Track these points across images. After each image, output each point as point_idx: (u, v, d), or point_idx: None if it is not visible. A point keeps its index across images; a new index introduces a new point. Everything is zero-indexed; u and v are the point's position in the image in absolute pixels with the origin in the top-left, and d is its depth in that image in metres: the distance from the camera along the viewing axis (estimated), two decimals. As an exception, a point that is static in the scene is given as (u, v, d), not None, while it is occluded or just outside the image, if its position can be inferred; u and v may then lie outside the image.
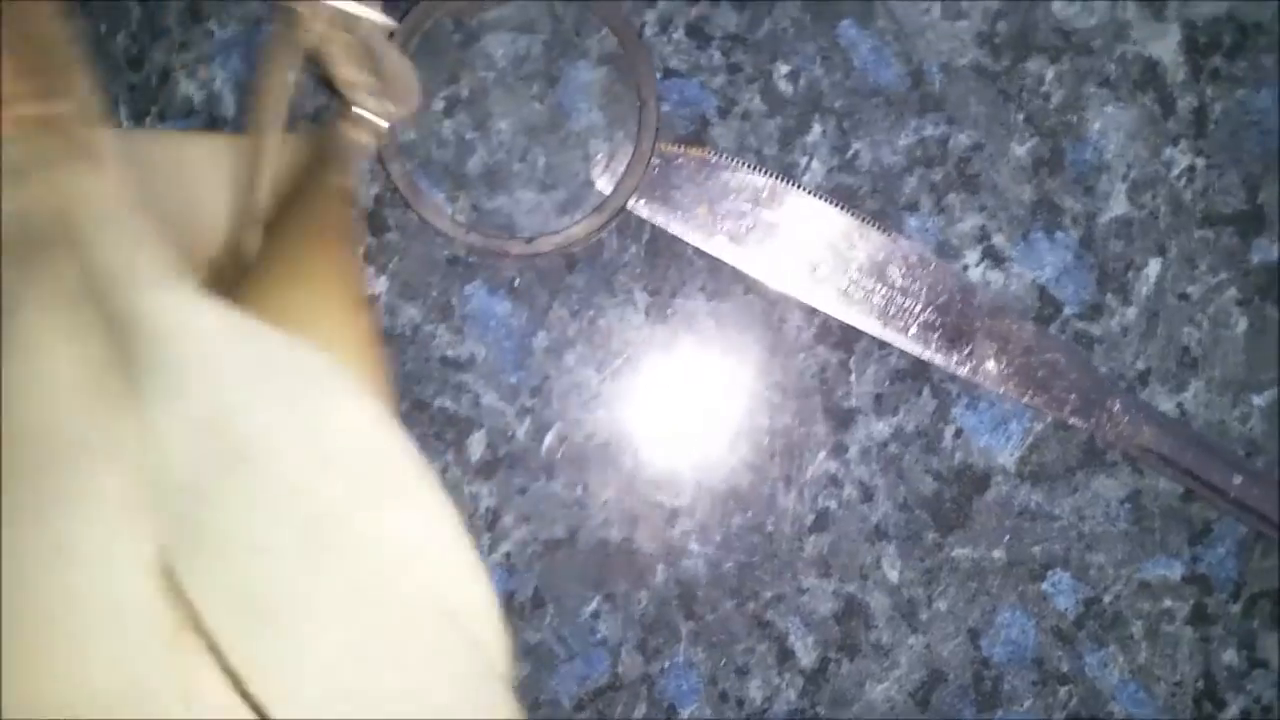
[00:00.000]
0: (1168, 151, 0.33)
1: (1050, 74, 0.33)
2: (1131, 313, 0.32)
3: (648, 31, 0.33)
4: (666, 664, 0.33)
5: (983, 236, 0.32)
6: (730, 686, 0.32)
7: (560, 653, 0.33)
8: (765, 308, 0.32)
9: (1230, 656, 0.32)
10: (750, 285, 0.32)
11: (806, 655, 0.32)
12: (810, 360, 0.32)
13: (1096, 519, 0.32)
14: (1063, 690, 0.32)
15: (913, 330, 0.32)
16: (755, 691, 0.32)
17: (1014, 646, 0.32)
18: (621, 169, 0.32)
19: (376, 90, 0.28)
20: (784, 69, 0.33)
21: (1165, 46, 0.33)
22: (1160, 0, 0.33)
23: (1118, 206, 0.33)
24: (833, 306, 0.32)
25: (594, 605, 0.33)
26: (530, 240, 0.32)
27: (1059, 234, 0.32)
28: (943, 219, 0.32)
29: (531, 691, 0.32)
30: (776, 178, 0.32)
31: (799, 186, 0.32)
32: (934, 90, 0.33)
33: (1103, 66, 0.33)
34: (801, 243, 0.32)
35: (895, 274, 0.32)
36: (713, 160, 0.32)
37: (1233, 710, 0.32)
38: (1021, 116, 0.33)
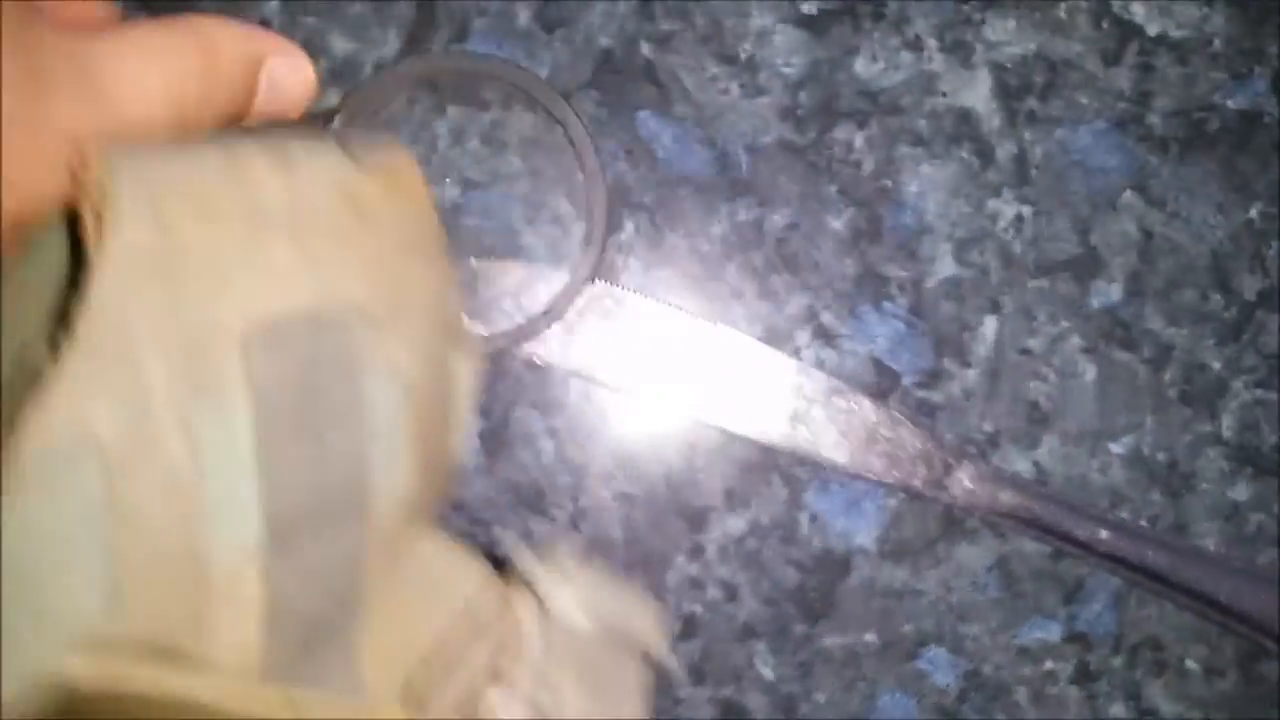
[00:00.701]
0: (991, 203, 0.32)
1: (859, 140, 0.32)
2: (972, 375, 0.32)
3: (441, 145, 0.32)
4: (548, 792, 0.32)
5: (810, 316, 0.32)
6: (615, 807, 0.32)
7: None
8: (601, 413, 0.32)
9: (1119, 710, 0.31)
10: (585, 390, 0.32)
11: (687, 766, 0.32)
12: (656, 464, 0.32)
13: (964, 589, 0.31)
14: (953, 769, 0.32)
15: (754, 418, 0.31)
16: (640, 809, 0.32)
17: (897, 730, 0.32)
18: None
19: None
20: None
21: (976, 94, 0.32)
22: (966, 47, 0.32)
23: (945, 268, 0.32)
24: (670, 405, 0.31)
25: (467, 742, 0.32)
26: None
27: (887, 304, 0.32)
28: (768, 304, 0.32)
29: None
30: (596, 281, 0.31)
31: (620, 286, 0.31)
32: (742, 173, 0.32)
33: (913, 124, 0.32)
34: (631, 341, 0.31)
35: (726, 367, 0.31)
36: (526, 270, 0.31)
37: (1129, 767, 0.31)
38: (834, 188, 0.32)
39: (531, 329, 0.31)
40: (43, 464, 0.18)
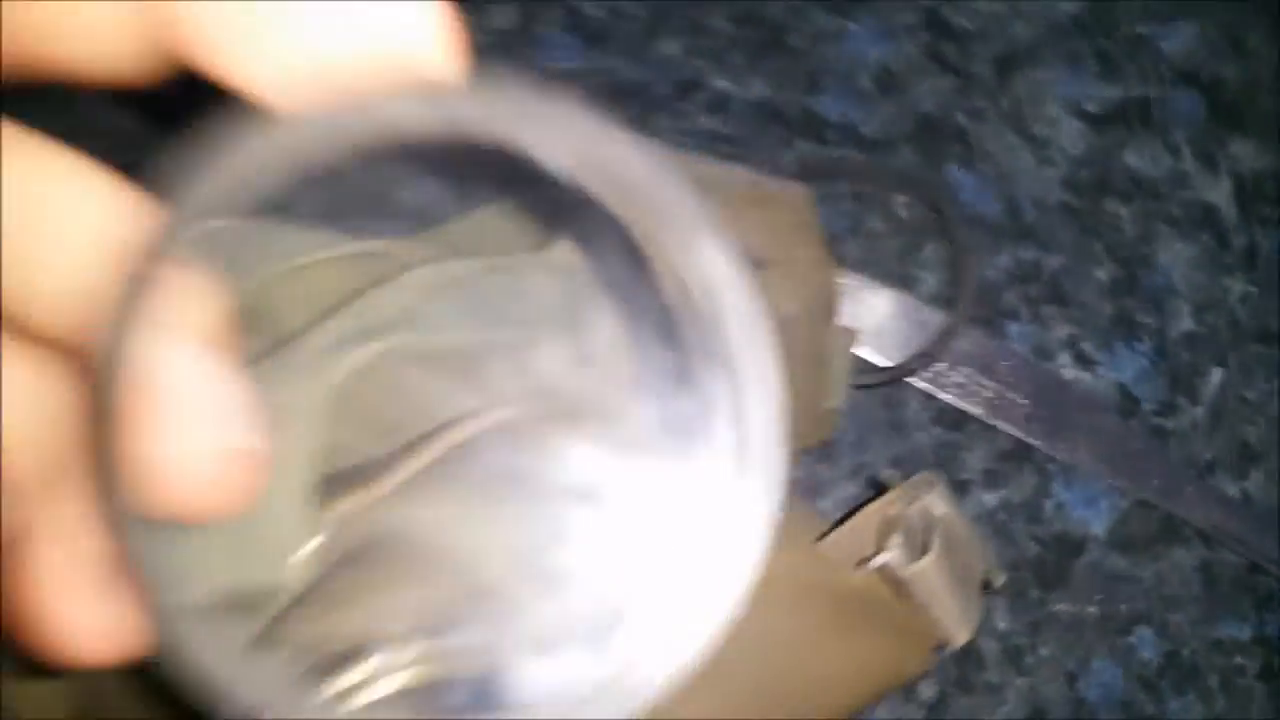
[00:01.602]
0: (1225, 280, 0.40)
1: (1124, 212, 0.40)
2: (1199, 412, 0.39)
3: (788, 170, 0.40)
4: (804, 697, 0.38)
5: (1073, 343, 0.39)
6: (862, 714, 0.37)
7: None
8: (887, 395, 0.39)
9: (1296, 709, 0.37)
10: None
11: (928, 690, 0.37)
12: (926, 438, 0.39)
13: (1174, 584, 0.38)
14: (1150, 733, 0.37)
15: (1018, 418, 0.38)
16: (884, 716, 0.37)
17: (1105, 690, 0.37)
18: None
19: None
20: (901, 200, 0.40)
21: (1220, 194, 0.40)
22: (1214, 156, 0.40)
23: (1184, 324, 0.39)
24: (949, 396, 0.39)
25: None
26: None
27: (1136, 344, 0.39)
28: (1038, 327, 0.39)
29: None
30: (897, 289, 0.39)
31: (917, 296, 0.39)
32: (1027, 221, 0.40)
33: (1168, 209, 0.40)
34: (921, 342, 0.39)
35: (1002, 371, 0.39)
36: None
37: (1300, 757, 0.37)
38: (1101, 246, 0.40)
39: (907, 368, 0.38)
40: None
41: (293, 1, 0.13)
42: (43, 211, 0.13)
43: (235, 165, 0.12)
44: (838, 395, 0.34)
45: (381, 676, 0.24)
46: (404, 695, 0.24)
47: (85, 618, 0.14)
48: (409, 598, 0.25)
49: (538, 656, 0.20)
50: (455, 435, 0.26)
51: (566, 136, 0.12)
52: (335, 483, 0.26)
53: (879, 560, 0.29)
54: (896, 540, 0.29)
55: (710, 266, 0.12)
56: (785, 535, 0.13)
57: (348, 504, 0.26)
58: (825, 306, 0.34)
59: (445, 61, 0.13)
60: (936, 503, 0.30)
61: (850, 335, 0.34)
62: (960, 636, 0.30)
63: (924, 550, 0.29)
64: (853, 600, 0.29)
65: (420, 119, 0.12)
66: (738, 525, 0.13)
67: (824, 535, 0.30)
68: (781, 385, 0.13)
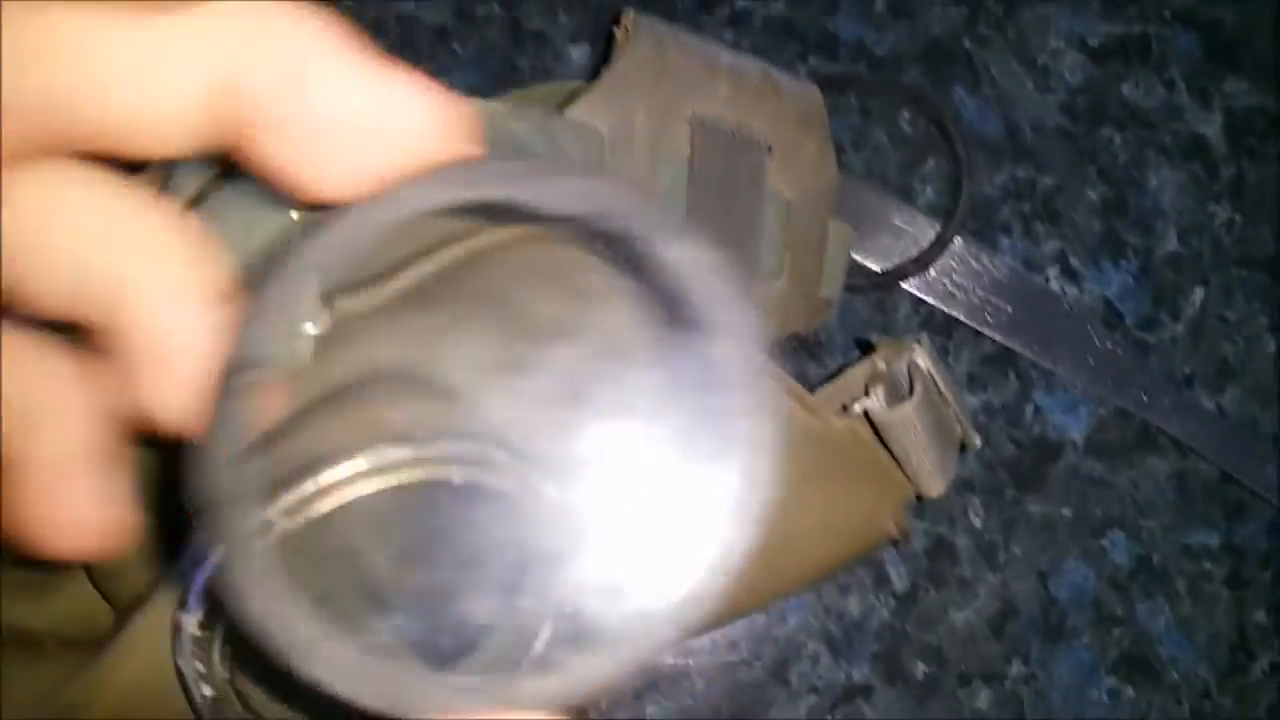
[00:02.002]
0: (1211, 206, 0.41)
1: (1118, 139, 0.41)
2: (1180, 328, 0.40)
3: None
4: (783, 579, 0.39)
5: (1061, 258, 0.40)
6: (833, 602, 0.39)
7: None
8: (879, 300, 0.40)
9: (1260, 616, 0.38)
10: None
11: (900, 581, 0.39)
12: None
13: (1148, 490, 0.39)
14: (1116, 631, 0.38)
15: (1003, 324, 0.40)
16: (854, 607, 0.39)
17: (1076, 590, 0.39)
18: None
19: None
20: (905, 116, 0.42)
21: (1211, 127, 0.42)
22: (1208, 92, 0.42)
23: (1170, 245, 0.41)
24: (938, 301, 0.40)
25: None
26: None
27: (1122, 261, 0.40)
28: (1029, 242, 0.41)
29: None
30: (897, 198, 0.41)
31: (914, 206, 0.41)
32: (1025, 143, 0.41)
33: (1160, 138, 0.41)
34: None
35: (991, 280, 0.40)
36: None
37: (1262, 663, 0.38)
38: (1094, 169, 0.41)
39: (901, 273, 0.39)
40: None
41: (344, 128, 0.16)
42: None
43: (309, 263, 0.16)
44: (832, 286, 0.35)
45: (363, 479, 0.25)
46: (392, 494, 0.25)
47: (75, 508, 0.16)
48: (394, 415, 0.26)
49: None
50: (452, 251, 0.28)
51: (563, 192, 0.16)
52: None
53: (861, 405, 0.30)
54: (880, 390, 0.30)
55: (689, 255, 0.16)
56: (773, 383, 0.16)
57: (348, 303, 0.27)
58: (826, 198, 0.35)
59: (458, 145, 0.16)
60: (920, 358, 0.31)
61: (848, 232, 0.36)
62: (935, 488, 0.31)
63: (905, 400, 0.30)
64: (834, 445, 0.30)
65: (443, 196, 0.16)
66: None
67: (813, 391, 0.32)
68: (761, 339, 0.16)
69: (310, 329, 0.26)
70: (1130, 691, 0.38)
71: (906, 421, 0.30)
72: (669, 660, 0.38)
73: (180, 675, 0.24)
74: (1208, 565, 0.39)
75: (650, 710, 0.38)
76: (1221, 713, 0.38)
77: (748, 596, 0.31)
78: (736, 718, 0.38)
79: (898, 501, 0.32)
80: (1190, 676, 0.38)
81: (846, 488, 0.31)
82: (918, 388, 0.30)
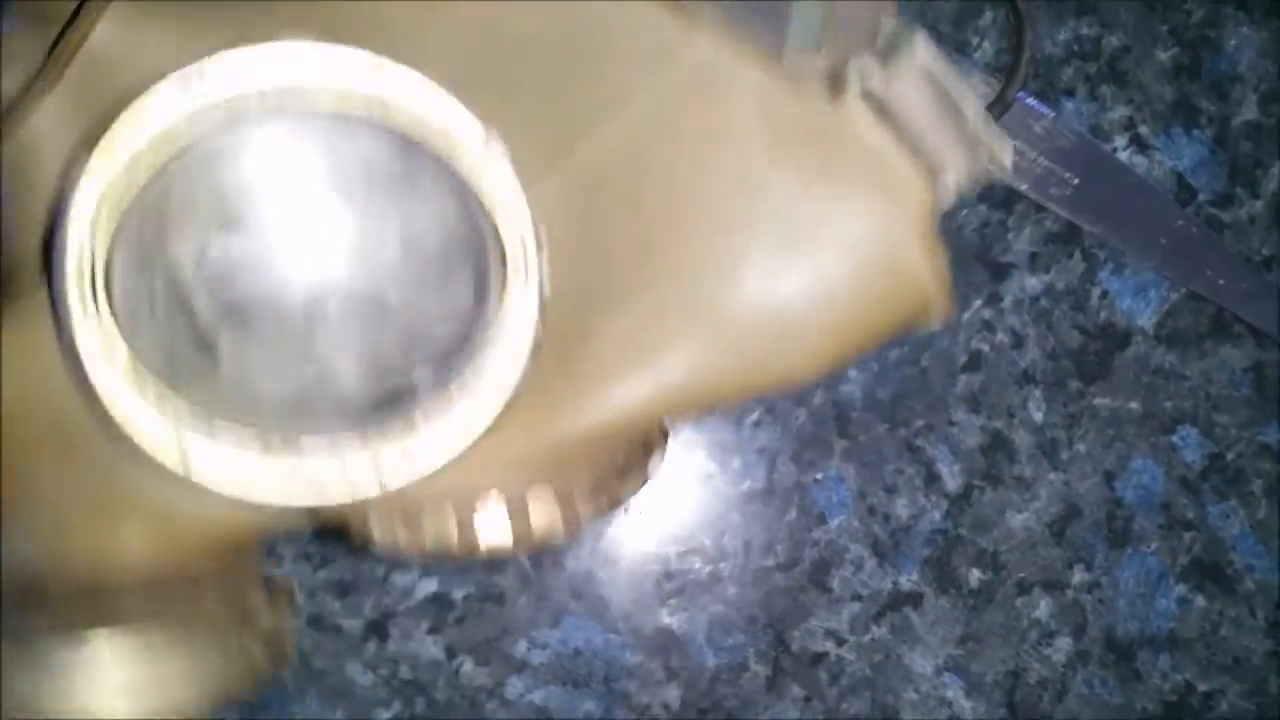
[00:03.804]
0: (1294, 71, 0.37)
1: (1194, -5, 0.37)
2: (1259, 205, 0.36)
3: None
4: (819, 476, 0.35)
5: (1129, 126, 0.36)
6: (878, 502, 0.34)
7: (718, 457, 0.34)
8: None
9: (1340, 520, 0.35)
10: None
11: (952, 481, 0.35)
12: (972, 216, 0.36)
13: (1222, 383, 0.35)
14: (1187, 536, 0.35)
15: (1068, 198, 0.35)
16: (902, 509, 0.34)
17: (1144, 491, 0.35)
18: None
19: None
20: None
21: (1292, -13, 0.37)
22: (1287, -51, 0.38)
23: (1249, 112, 0.37)
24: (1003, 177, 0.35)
25: (755, 415, 0.35)
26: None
27: (1196, 130, 0.36)
28: (1095, 106, 0.36)
29: (694, 488, 0.34)
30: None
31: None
32: (1093, -3, 0.37)
33: (1239, -4, 0.37)
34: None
35: (1054, 147, 0.36)
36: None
37: (1342, 570, 0.35)
38: (1166, 28, 0.37)
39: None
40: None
41: None
42: None
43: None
44: None
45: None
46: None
47: None
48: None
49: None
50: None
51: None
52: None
53: (852, 74, 0.24)
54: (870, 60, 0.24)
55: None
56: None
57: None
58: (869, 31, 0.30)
59: None
60: (920, 50, 0.25)
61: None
62: (964, 171, 0.25)
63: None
64: (831, 135, 0.24)
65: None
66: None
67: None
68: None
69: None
70: (1201, 601, 0.35)
71: (907, 91, 0.24)
72: (696, 565, 0.34)
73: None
74: (1286, 464, 0.35)
75: (676, 620, 0.33)
76: (1291, 625, 0.35)
77: (756, 368, 0.24)
78: (772, 625, 0.33)
79: (920, 211, 0.24)
80: (1266, 585, 0.35)
81: (854, 202, 0.24)
82: (916, 46, 0.25)
